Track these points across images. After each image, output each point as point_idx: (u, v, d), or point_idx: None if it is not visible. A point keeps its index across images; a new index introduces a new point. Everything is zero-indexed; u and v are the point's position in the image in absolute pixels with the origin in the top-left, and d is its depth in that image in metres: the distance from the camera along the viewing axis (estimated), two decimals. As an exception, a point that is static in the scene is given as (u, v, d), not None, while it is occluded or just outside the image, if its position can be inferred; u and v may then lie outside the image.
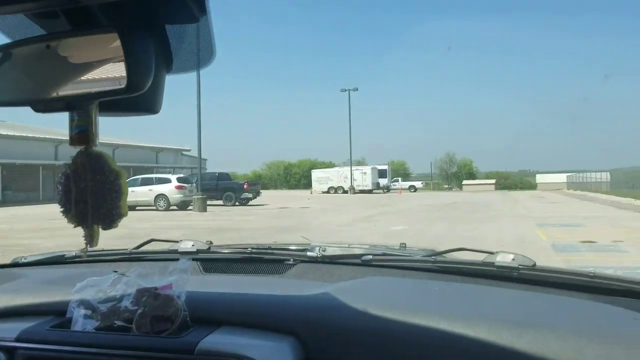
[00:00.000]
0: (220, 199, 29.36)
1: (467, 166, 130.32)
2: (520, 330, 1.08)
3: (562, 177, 75.89)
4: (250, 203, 30.31)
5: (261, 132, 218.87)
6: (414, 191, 58.62)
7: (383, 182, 55.05)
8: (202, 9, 0.79)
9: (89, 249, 0.94)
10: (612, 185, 52.79)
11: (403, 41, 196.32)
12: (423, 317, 1.16)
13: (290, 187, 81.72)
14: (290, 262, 1.73)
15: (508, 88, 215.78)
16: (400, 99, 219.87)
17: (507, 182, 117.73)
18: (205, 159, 66.78)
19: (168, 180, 26.32)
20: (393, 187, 58.83)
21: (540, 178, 79.61)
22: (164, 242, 2.02)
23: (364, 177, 52.08)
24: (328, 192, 52.64)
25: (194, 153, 67.73)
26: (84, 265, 1.86)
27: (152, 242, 2.03)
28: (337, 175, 52.75)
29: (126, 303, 1.17)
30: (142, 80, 0.76)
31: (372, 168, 52.98)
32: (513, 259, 1.48)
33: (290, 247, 1.94)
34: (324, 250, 1.74)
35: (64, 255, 1.92)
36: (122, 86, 0.77)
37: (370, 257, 1.67)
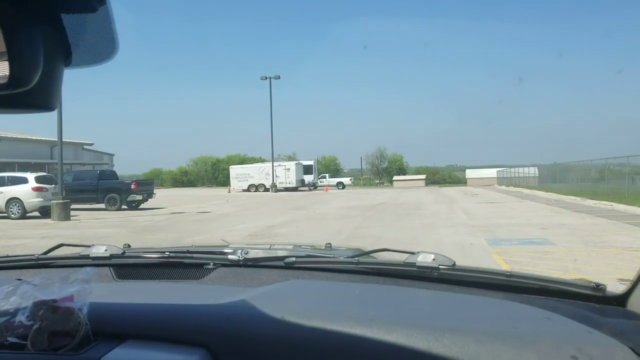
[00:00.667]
0: (103, 203, 24.03)
1: (398, 161, 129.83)
2: (438, 334, 1.09)
3: (491, 172, 74.57)
4: (142, 206, 25.16)
5: (189, 128, 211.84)
6: (342, 188, 54.87)
7: (309, 178, 50.84)
8: None
9: None
10: (540, 180, 52.24)
11: (333, 38, 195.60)
12: (341, 324, 1.14)
13: (219, 184, 77.24)
14: (210, 267, 1.67)
15: (433, 87, 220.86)
16: (332, 94, 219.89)
17: (436, 177, 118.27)
18: (112, 154, 60.27)
19: (24, 180, 20.64)
20: (320, 184, 54.83)
21: (469, 173, 78.10)
22: (74, 247, 1.93)
23: (287, 173, 47.64)
24: (248, 190, 47.84)
25: (100, 147, 61.05)
26: None
27: (62, 247, 1.91)
28: (257, 172, 47.98)
29: (21, 317, 1.07)
30: (27, 75, 0.70)
31: (296, 164, 48.59)
32: (434, 259, 1.51)
33: (211, 250, 1.95)
34: (246, 253, 1.70)
35: None
36: (4, 82, 0.71)
37: (293, 259, 1.65)
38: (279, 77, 45.19)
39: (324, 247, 2.29)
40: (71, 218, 18.99)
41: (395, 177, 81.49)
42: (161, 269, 1.73)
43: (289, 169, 47.64)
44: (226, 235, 13.05)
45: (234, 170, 49.28)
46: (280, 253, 1.82)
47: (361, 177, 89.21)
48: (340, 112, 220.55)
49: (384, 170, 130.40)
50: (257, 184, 47.60)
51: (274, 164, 47.52)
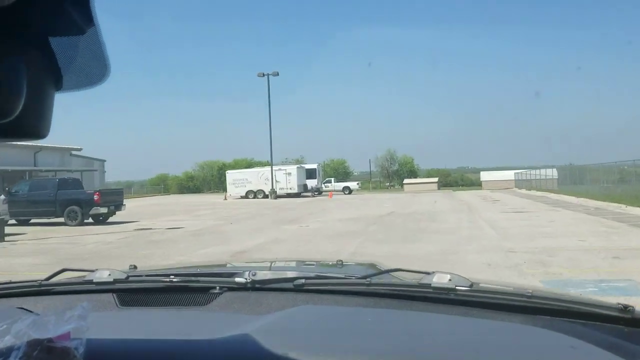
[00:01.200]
0: (62, 217, 20.56)
1: (409, 164, 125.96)
2: None
3: (507, 175, 70.29)
4: (111, 219, 21.67)
5: (197, 132, 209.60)
6: (349, 193, 51.10)
7: (312, 183, 47.13)
8: (88, 19, 0.69)
9: None
10: (559, 182, 49.40)
11: (343, 42, 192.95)
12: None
13: (225, 189, 72.39)
14: (216, 291, 1.61)
15: (444, 88, 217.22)
16: (341, 96, 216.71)
17: (448, 179, 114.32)
18: (103, 160, 56.99)
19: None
20: (325, 189, 51.12)
21: (484, 176, 73.90)
22: (77, 272, 1.87)
23: (288, 178, 43.99)
24: (246, 196, 44.25)
25: (89, 152, 57.76)
26: None
27: (65, 272, 1.84)
28: (256, 177, 44.36)
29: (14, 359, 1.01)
30: (8, 105, 0.66)
31: (297, 167, 44.87)
32: (450, 280, 1.46)
33: (218, 272, 1.94)
34: (253, 275, 1.63)
35: None
36: None
37: (303, 281, 1.58)
38: (278, 74, 41.61)
39: (335, 264, 2.33)
40: (6, 238, 15.47)
41: (406, 180, 77.39)
42: (166, 294, 1.64)
43: (290, 174, 43.99)
44: (189, 262, 9.37)
45: (231, 175, 45.67)
46: (290, 274, 1.80)
47: (370, 181, 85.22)
48: (350, 115, 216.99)
49: (395, 173, 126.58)
50: (255, 190, 44.00)
51: (274, 168, 43.91)
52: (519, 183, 61.07)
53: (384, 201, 33.78)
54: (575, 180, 42.39)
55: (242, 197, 43.95)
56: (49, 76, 0.69)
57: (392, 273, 1.79)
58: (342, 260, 2.25)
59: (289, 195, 44.03)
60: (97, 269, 1.76)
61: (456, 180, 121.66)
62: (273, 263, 2.64)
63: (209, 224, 19.60)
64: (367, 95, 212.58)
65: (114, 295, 1.62)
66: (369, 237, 13.81)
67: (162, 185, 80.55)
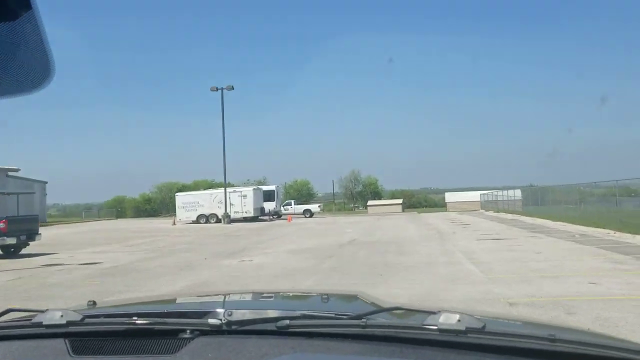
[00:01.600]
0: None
1: (372, 185, 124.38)
2: None
3: (472, 196, 68.78)
4: (26, 251, 18.27)
5: (157, 153, 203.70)
6: (310, 216, 48.18)
7: (270, 206, 44.06)
8: (25, 2, 0.57)
9: None
10: (523, 203, 48.57)
11: (309, 61, 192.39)
12: None
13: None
14: (187, 335, 1.42)
15: (409, 107, 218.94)
16: (306, 116, 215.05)
17: (412, 200, 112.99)
18: (44, 182, 52.63)
19: None
20: (285, 211, 48.12)
21: (449, 197, 72.08)
22: (25, 312, 1.70)
23: (243, 201, 40.83)
24: (197, 221, 40.79)
25: (28, 174, 53.29)
26: None
27: (10, 312, 1.64)
28: (208, 200, 40.99)
29: None
30: None
31: (254, 189, 41.69)
32: (459, 320, 1.29)
33: (189, 311, 1.78)
34: (229, 315, 1.46)
35: None
36: None
37: (287, 322, 1.40)
38: (233, 88, 38.71)
39: (319, 295, 2.16)
40: None
41: (369, 202, 75.17)
42: (127, 339, 1.45)
43: (245, 196, 40.81)
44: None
45: (181, 198, 42.08)
46: (271, 312, 1.57)
47: (333, 202, 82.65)
48: (315, 135, 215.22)
49: (359, 194, 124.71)
50: (207, 214, 40.60)
51: (229, 190, 40.70)
52: (485, 204, 59.46)
53: (345, 226, 31.02)
54: (538, 201, 41.93)
55: (193, 222, 40.51)
56: None
57: (391, 312, 1.64)
58: (327, 296, 2.09)
59: (245, 220, 40.85)
60: (47, 309, 1.56)
61: (420, 201, 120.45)
62: (250, 296, 2.58)
63: (134, 257, 16.34)
64: (332, 116, 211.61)
65: (66, 340, 1.45)
66: (322, 278, 10.94)
67: (117, 209, 76.14)
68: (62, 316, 1.49)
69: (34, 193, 43.88)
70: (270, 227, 32.53)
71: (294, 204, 49.62)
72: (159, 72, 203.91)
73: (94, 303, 1.90)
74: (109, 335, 1.47)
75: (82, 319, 1.48)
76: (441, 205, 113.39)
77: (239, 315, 1.47)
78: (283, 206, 48.85)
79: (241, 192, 41.12)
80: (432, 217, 40.70)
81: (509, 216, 36.19)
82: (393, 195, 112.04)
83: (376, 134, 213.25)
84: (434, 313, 1.35)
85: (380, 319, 1.48)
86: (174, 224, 39.49)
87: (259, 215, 41.90)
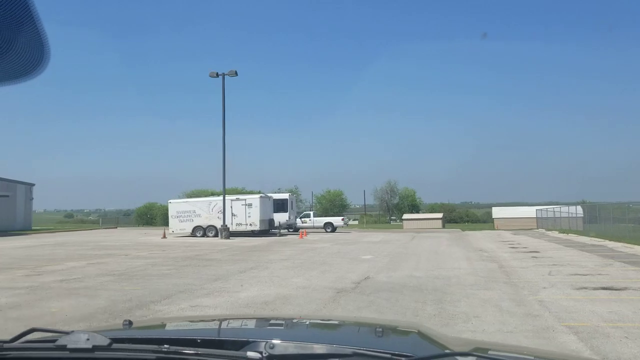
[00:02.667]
0: None
1: (410, 197, 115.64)
2: None
3: (523, 211, 59.71)
4: None
5: (193, 159, 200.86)
6: (332, 231, 40.61)
7: (282, 218, 36.74)
8: None
9: None
10: (585, 221, 41.56)
11: (353, 75, 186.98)
12: None
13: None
14: None
15: (452, 121, 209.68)
16: (342, 128, 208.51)
17: (453, 215, 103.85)
18: (31, 184, 46.80)
19: None
20: (302, 224, 40.74)
21: (497, 212, 63.05)
22: (49, 332, 1.56)
23: (248, 211, 33.61)
24: (193, 234, 33.82)
25: (6, 174, 47.29)
26: None
27: (35, 332, 1.55)
28: (207, 208, 33.94)
29: None
30: None
31: (261, 197, 34.30)
32: None
33: (226, 340, 1.58)
34: (271, 347, 1.34)
35: None
36: None
37: None
38: (236, 74, 31.70)
39: (373, 326, 2.00)
40: None
41: (405, 216, 66.88)
42: None
43: (250, 205, 33.55)
44: None
45: (174, 206, 35.03)
46: (318, 347, 1.39)
47: (364, 214, 74.75)
48: (351, 145, 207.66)
49: (395, 207, 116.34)
50: (205, 226, 33.54)
51: (230, 198, 33.63)
52: (543, 222, 50.59)
53: (367, 248, 23.38)
54: (597, 218, 37.66)
55: (190, 235, 33.57)
56: None
57: (461, 358, 1.41)
58: (382, 328, 1.83)
59: (249, 234, 33.70)
60: (73, 331, 1.45)
61: (461, 215, 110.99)
62: (296, 323, 2.40)
63: (35, 298, 9.23)
64: (370, 126, 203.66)
65: None
66: None
67: (147, 215, 71.00)
68: (88, 339, 1.39)
69: (7, 196, 37.91)
70: (270, 246, 25.15)
71: (313, 216, 42.06)
72: (192, 80, 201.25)
73: (130, 323, 1.83)
74: None
75: (110, 344, 1.38)
76: (484, 221, 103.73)
77: (281, 348, 1.34)
78: (301, 218, 41.47)
79: (245, 200, 33.87)
80: (481, 237, 32.51)
81: (586, 240, 27.64)
82: (432, 209, 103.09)
83: (415, 145, 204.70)
84: None
85: None
86: (164, 236, 32.61)
87: (269, 229, 34.61)
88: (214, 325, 2.40)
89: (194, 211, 34.11)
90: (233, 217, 33.32)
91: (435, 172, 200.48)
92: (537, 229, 47.30)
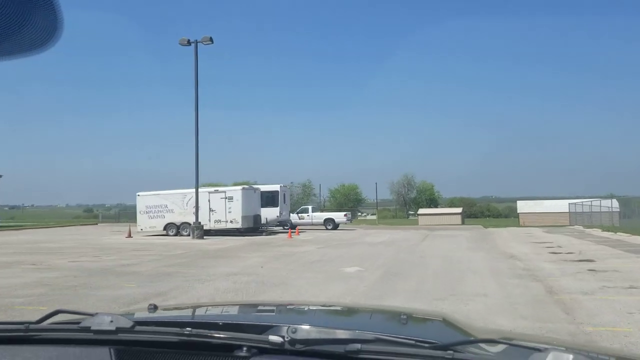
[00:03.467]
0: None
1: (428, 191, 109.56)
2: None
3: (552, 205, 53.50)
4: None
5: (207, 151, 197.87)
6: (332, 228, 35.19)
7: (272, 213, 31.40)
8: None
9: None
10: (621, 216, 38.02)
11: (370, 70, 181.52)
12: None
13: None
14: (243, 354, 1.29)
15: (470, 114, 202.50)
16: (361, 122, 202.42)
17: (473, 209, 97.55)
18: (-3, 175, 42.38)
19: None
20: (300, 220, 35.50)
21: (523, 206, 56.87)
22: (73, 315, 1.57)
23: (228, 205, 28.34)
24: (166, 232, 28.74)
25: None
26: None
27: (59, 314, 1.58)
28: (180, 202, 28.71)
29: None
30: None
31: (243, 189, 28.73)
32: None
33: (247, 323, 1.62)
34: (293, 332, 1.30)
35: None
36: None
37: (358, 346, 1.25)
38: (211, 41, 26.39)
39: (397, 314, 1.95)
40: None
41: (420, 210, 61.12)
42: (179, 352, 1.34)
43: (231, 198, 28.25)
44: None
45: (144, 200, 29.81)
46: (340, 333, 1.36)
47: (377, 209, 69.08)
48: (368, 139, 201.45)
49: (412, 201, 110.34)
50: (179, 223, 28.35)
51: (207, 191, 28.47)
52: (577, 218, 44.56)
53: (363, 252, 17.99)
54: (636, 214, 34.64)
55: (165, 234, 28.46)
56: None
57: (484, 344, 1.40)
58: (406, 316, 1.79)
59: (236, 232, 28.49)
60: (97, 313, 1.47)
61: (482, 210, 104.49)
62: (317, 309, 2.40)
63: None
64: (387, 121, 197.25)
65: (112, 350, 1.37)
66: None
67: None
68: (111, 321, 1.40)
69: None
70: (240, 250, 19.89)
71: (312, 211, 36.58)
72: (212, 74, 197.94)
73: (155, 307, 1.80)
74: (160, 346, 1.37)
75: (133, 326, 1.39)
76: (506, 216, 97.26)
77: (304, 332, 1.32)
78: (297, 213, 36.10)
79: (225, 193, 28.54)
80: (509, 237, 26.78)
81: (633, 238, 21.78)
82: (452, 203, 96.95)
83: (434, 139, 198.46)
84: (539, 350, 1.17)
85: (471, 351, 1.30)
86: (129, 235, 27.54)
87: (256, 226, 29.25)
88: (236, 309, 2.48)
89: (166, 206, 28.93)
90: (211, 213, 28.10)
91: (455, 166, 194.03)
92: (571, 225, 41.24)
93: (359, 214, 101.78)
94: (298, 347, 1.27)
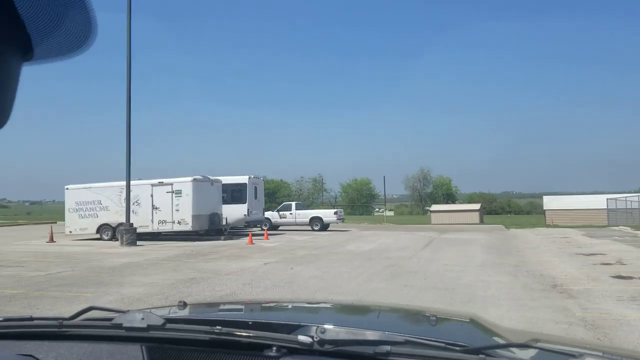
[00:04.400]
0: None
1: (445, 185, 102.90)
2: None
3: (586, 201, 46.40)
4: None
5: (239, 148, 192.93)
6: (319, 229, 28.93)
7: (239, 211, 25.13)
8: None
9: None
10: None
11: (389, 66, 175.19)
12: None
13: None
14: (273, 354, 1.30)
15: (491, 108, 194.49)
16: (380, 118, 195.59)
17: (493, 205, 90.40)
18: None
19: None
20: (282, 219, 29.37)
21: (549, 202, 49.78)
22: (106, 312, 1.62)
23: (176, 201, 22.16)
24: (99, 235, 22.74)
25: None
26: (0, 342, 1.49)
27: (92, 311, 1.61)
28: (117, 198, 22.51)
29: None
30: None
31: (195, 181, 22.29)
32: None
33: (276, 322, 1.55)
34: (322, 332, 1.30)
35: None
36: None
37: (388, 348, 1.24)
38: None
39: (427, 316, 1.82)
40: None
41: (433, 207, 54.33)
42: (208, 351, 1.36)
43: (179, 192, 22.07)
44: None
45: (73, 194, 23.61)
46: (370, 334, 1.32)
47: (385, 206, 62.49)
48: (384, 135, 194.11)
49: (428, 196, 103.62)
50: (115, 224, 22.29)
51: (149, 183, 22.41)
52: (616, 215, 37.70)
53: (331, 272, 11.79)
54: None
55: (98, 238, 22.50)
56: (11, 43, 0.50)
57: (516, 349, 1.34)
58: (435, 317, 1.77)
59: (184, 235, 22.42)
60: (129, 310, 1.49)
61: (502, 206, 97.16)
62: (346, 309, 2.46)
63: None
64: (405, 117, 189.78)
65: (143, 347, 1.40)
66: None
67: None
68: (142, 319, 1.41)
69: None
70: (149, 267, 13.80)
71: (296, 208, 30.23)
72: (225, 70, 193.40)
73: (185, 304, 1.84)
74: (190, 343, 1.38)
75: (163, 324, 1.39)
76: (528, 212, 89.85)
77: (333, 333, 1.30)
78: (279, 211, 29.89)
79: (172, 185, 22.34)
80: (538, 242, 20.23)
81: None
82: (471, 199, 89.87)
83: (452, 133, 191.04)
84: (573, 356, 1.19)
85: (503, 355, 1.26)
86: (51, 239, 21.60)
87: (212, 227, 22.88)
88: (265, 308, 2.45)
89: (100, 202, 22.86)
90: (155, 212, 22.02)
91: (475, 160, 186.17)
92: (612, 225, 34.31)
93: (376, 210, 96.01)
94: (327, 347, 1.26)
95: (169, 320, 1.41)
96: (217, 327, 1.36)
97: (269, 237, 22.75)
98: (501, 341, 1.55)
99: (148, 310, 1.49)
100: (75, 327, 1.51)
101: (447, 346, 1.27)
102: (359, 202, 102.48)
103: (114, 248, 18.83)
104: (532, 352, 1.35)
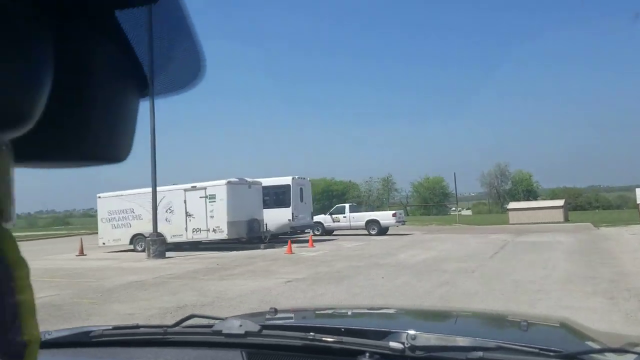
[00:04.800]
0: None
1: (525, 181, 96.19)
2: None
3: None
4: None
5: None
6: (377, 233, 26.01)
7: (284, 216, 22.71)
8: None
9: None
10: None
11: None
12: None
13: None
14: (366, 359, 1.31)
15: (573, 95, 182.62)
16: (455, 112, 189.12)
17: (579, 200, 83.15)
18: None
19: None
20: (335, 222, 26.80)
21: (645, 195, 43.73)
22: (205, 319, 1.75)
23: (210, 207, 20.05)
24: (133, 246, 21.10)
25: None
26: (111, 349, 1.59)
27: (193, 318, 1.73)
28: (149, 204, 20.82)
29: None
30: (27, 111, 0.41)
31: (228, 183, 20.00)
32: None
33: (367, 329, 1.57)
34: (413, 338, 1.30)
35: (89, 332, 1.61)
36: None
37: (480, 354, 1.23)
38: None
39: (519, 324, 1.73)
40: None
41: (511, 204, 49.76)
42: (304, 356, 1.41)
43: (213, 197, 19.93)
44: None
45: (105, 203, 21.99)
46: (460, 340, 1.33)
47: (456, 205, 58.34)
48: (464, 129, 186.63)
49: (507, 193, 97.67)
50: (148, 234, 20.53)
51: (182, 188, 20.52)
52: None
53: (356, 299, 9.10)
54: None
55: (132, 249, 20.90)
56: (129, 79, 0.51)
57: (613, 354, 1.33)
58: (527, 321, 1.72)
59: (225, 244, 20.35)
60: (227, 318, 1.59)
61: (589, 201, 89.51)
62: (435, 315, 2.41)
63: None
64: (480, 108, 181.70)
65: (243, 352, 1.45)
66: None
67: None
68: (240, 326, 1.47)
69: None
70: (150, 287, 11.65)
71: (350, 211, 27.40)
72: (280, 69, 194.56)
73: (276, 311, 1.91)
74: (285, 349, 1.42)
75: (260, 330, 1.45)
76: (618, 206, 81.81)
77: (424, 339, 1.31)
78: (331, 214, 27.27)
79: (205, 189, 20.24)
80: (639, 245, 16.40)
81: None
82: (554, 195, 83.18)
83: (531, 125, 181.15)
84: None
85: None
86: (81, 253, 20.20)
87: (252, 235, 20.53)
88: (356, 314, 2.47)
89: (132, 210, 21.22)
90: (188, 219, 20.07)
91: (556, 153, 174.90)
92: None
93: (452, 209, 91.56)
94: (418, 353, 1.27)
95: (265, 327, 1.46)
96: (311, 333, 1.39)
97: (314, 244, 20.20)
98: (596, 346, 1.49)
99: (245, 318, 1.59)
100: (178, 334, 1.58)
101: (541, 352, 1.26)
102: (432, 202, 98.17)
103: (138, 262, 16.98)
104: (630, 358, 1.31)
